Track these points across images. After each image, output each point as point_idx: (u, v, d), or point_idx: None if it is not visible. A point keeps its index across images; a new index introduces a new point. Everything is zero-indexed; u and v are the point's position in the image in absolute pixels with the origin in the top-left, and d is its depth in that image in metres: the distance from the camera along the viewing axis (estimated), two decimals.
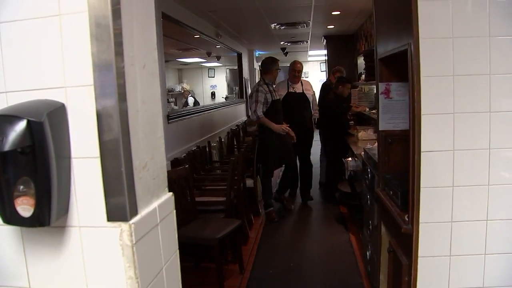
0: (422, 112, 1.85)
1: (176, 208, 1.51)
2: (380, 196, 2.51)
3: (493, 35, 1.81)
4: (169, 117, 5.34)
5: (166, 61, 6.93)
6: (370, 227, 3.39)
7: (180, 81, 13.59)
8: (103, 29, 1.11)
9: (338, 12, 6.85)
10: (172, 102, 11.28)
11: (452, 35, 1.82)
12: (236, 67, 11.79)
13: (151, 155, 1.31)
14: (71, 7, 1.13)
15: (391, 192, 2.35)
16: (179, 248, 1.51)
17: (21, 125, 1.04)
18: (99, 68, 1.12)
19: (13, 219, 1.11)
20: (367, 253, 3.60)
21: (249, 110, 6.29)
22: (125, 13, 1.16)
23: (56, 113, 1.13)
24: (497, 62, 1.81)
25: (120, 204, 1.15)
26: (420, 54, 1.83)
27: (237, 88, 12.02)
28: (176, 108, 10.36)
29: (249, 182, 5.58)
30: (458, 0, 1.81)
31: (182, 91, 12.64)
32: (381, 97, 2.55)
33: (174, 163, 4.63)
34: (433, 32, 1.82)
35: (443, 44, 1.82)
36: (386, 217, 2.49)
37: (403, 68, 1.96)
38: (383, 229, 2.66)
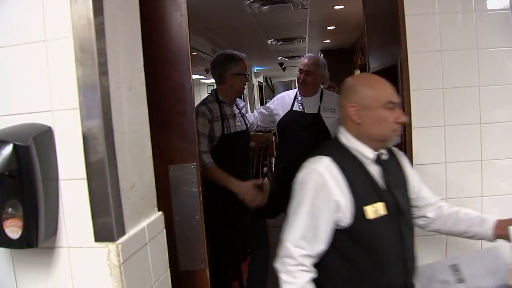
0: (413, 125, 1.86)
1: None
2: None
3: (481, 47, 1.82)
4: None
5: None
6: None
7: None
8: (87, 54, 1.12)
9: (333, 27, 6.89)
10: None
11: (440, 49, 1.83)
12: None
13: (139, 176, 1.32)
14: (56, 32, 1.15)
15: None
16: None
17: (8, 149, 1.05)
18: (84, 91, 1.13)
19: (1, 241, 1.12)
20: None
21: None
22: (110, 35, 1.17)
23: (43, 137, 1.14)
24: (485, 74, 1.82)
25: (107, 225, 1.16)
26: (409, 68, 1.85)
27: None
28: None
29: None
30: (445, 14, 1.83)
31: None
32: None
33: None
34: (421, 46, 1.84)
35: (431, 58, 1.84)
36: None
37: (395, 82, 1.97)
38: None
